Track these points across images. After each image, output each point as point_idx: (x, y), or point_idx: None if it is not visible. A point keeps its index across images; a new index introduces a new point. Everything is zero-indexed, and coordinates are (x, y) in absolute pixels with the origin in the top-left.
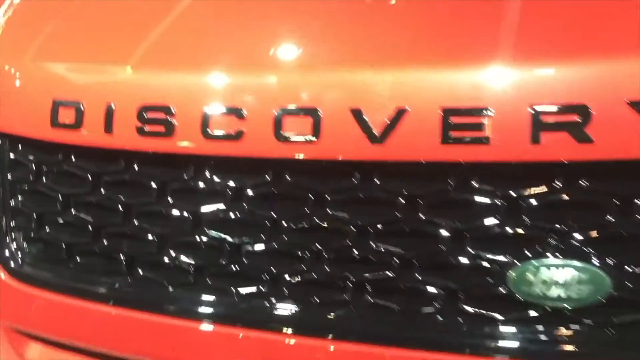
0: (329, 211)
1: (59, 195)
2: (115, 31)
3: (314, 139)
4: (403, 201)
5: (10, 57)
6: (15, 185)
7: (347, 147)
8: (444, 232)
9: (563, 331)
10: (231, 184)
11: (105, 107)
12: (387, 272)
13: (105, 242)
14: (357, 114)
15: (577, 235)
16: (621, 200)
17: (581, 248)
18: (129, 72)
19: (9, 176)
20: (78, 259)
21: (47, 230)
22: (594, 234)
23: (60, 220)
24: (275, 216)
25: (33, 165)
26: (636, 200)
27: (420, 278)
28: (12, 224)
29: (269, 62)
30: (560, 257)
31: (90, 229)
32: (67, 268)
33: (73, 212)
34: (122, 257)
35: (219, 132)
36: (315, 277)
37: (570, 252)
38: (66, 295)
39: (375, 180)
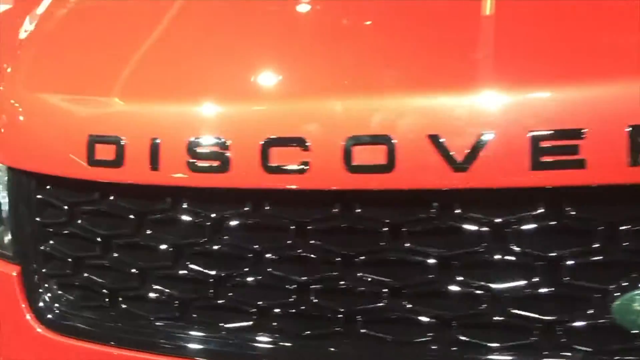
0: (405, 244)
1: (98, 238)
2: (147, 62)
3: (388, 168)
4: (488, 230)
5: (32, 92)
6: (45, 229)
7: (425, 176)
8: (537, 262)
9: None
10: (295, 218)
11: (150, 141)
12: (476, 307)
13: (154, 286)
14: (435, 140)
15: None
16: None
17: None
18: (174, 104)
19: (38, 219)
20: (123, 305)
21: (86, 275)
22: None
23: (101, 264)
24: (345, 251)
25: (66, 206)
26: None
27: (513, 311)
28: (44, 270)
29: (334, 88)
30: None
31: (137, 272)
32: (112, 316)
33: (115, 254)
34: (174, 302)
35: (281, 165)
36: (396, 314)
37: None
38: (112, 346)
39: (457, 209)
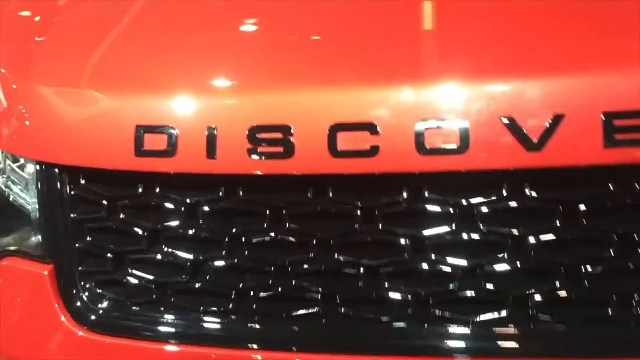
0: (479, 224)
1: (144, 231)
2: (196, 50)
3: (461, 150)
4: (561, 208)
5: (66, 85)
6: (81, 225)
7: (498, 156)
8: (612, 238)
9: None
10: (360, 203)
11: (207, 130)
12: (555, 284)
13: (208, 278)
14: (509, 122)
15: None
16: None
17: None
18: (232, 93)
19: (72, 215)
20: (172, 299)
21: (131, 271)
22: None
23: (148, 258)
24: (414, 234)
25: (105, 200)
26: None
27: (590, 286)
28: (81, 268)
29: (404, 73)
30: None
31: (188, 264)
32: (161, 311)
33: (164, 247)
34: (231, 293)
35: (350, 149)
36: (471, 293)
37: None
38: (165, 342)
39: (528, 189)
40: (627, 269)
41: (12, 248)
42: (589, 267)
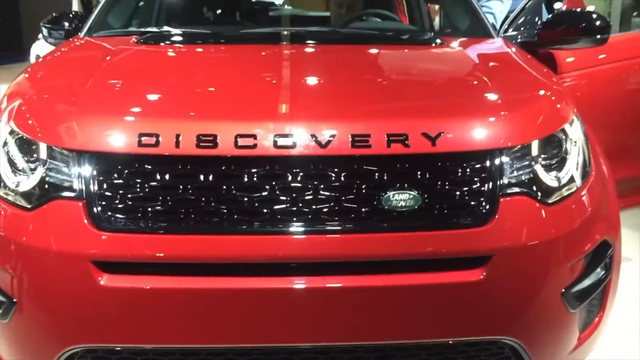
0: (304, 179)
1: (138, 185)
2: (168, 94)
3: (293, 147)
4: (333, 174)
5: (101, 111)
6: (101, 182)
7: (309, 151)
8: (353, 183)
9: (403, 219)
10: (247, 170)
11: (175, 136)
12: (336, 201)
13: (170, 204)
14: (313, 136)
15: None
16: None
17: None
18: (190, 119)
19: (97, 178)
20: (149, 213)
21: (129, 202)
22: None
23: (140, 195)
24: (273, 184)
25: (116, 169)
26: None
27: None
28: (99, 202)
29: (272, 113)
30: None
31: (160, 198)
32: (138, 222)
33: (146, 190)
34: (179, 210)
35: (244, 145)
36: (307, 205)
37: (408, 188)
38: (146, 233)
39: (321, 165)
40: (366, 196)
41: (57, 195)
42: (343, 197)
